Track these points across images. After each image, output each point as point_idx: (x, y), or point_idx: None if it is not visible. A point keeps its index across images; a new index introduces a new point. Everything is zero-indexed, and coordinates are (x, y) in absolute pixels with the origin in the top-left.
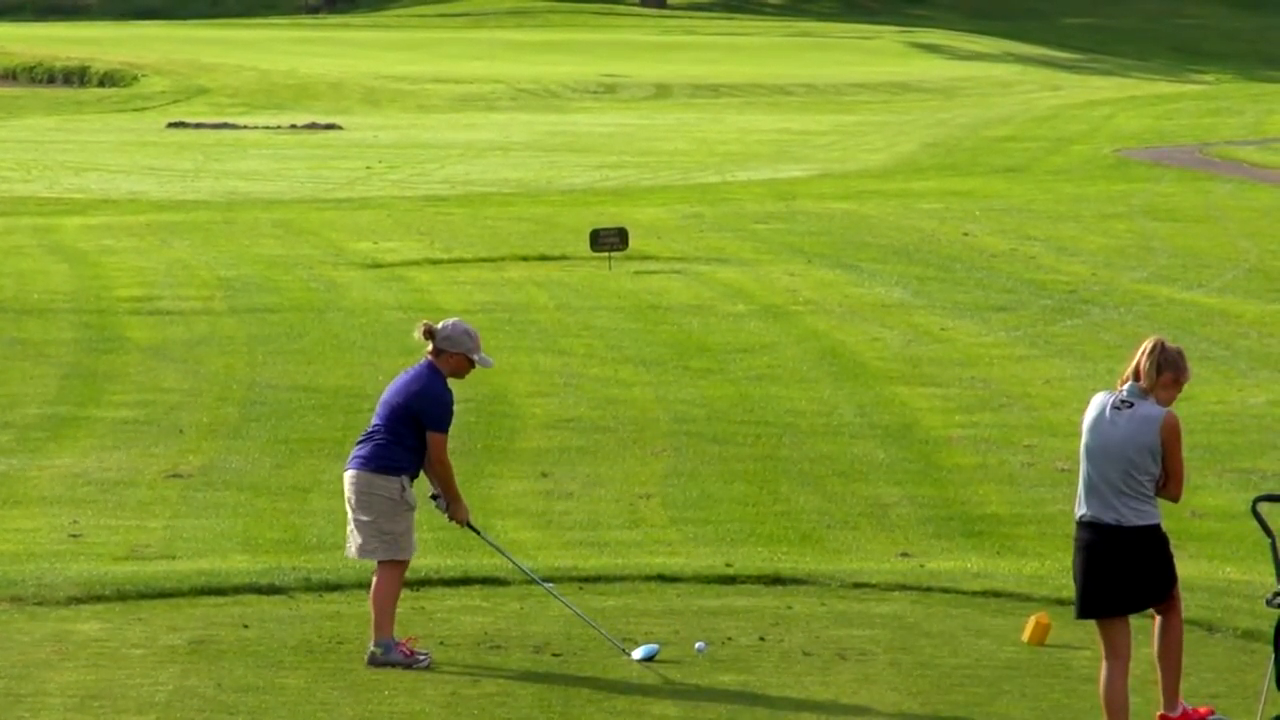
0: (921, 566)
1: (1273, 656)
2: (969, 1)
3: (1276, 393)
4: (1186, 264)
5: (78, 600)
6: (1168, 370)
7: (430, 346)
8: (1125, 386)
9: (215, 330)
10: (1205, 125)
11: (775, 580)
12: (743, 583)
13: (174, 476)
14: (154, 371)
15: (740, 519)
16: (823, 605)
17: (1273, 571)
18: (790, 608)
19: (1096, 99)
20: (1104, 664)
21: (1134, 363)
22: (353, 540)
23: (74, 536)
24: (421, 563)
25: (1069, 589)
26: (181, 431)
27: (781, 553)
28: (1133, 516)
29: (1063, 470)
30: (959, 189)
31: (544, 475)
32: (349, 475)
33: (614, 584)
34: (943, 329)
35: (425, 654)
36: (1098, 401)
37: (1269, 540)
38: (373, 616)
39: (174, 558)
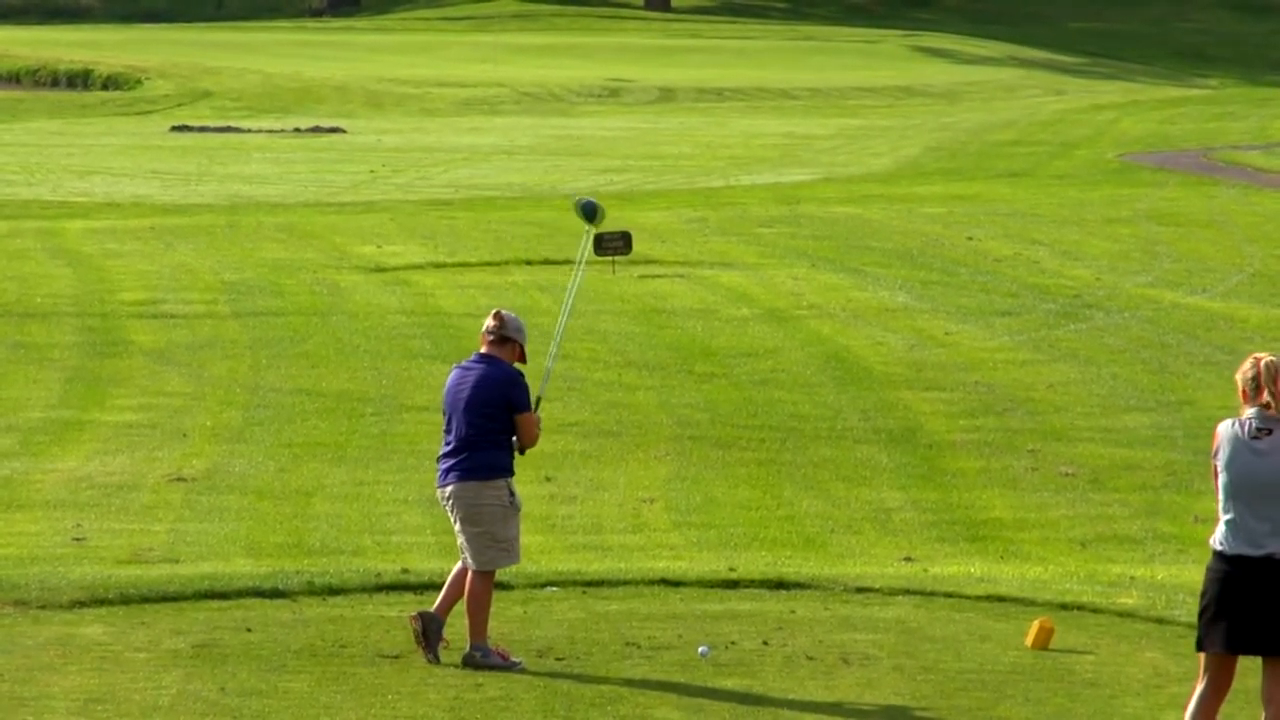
0: (925, 571)
1: None
2: (973, 6)
3: None
4: (1191, 269)
5: (81, 604)
6: None
7: (490, 339)
8: (1250, 412)
9: (219, 334)
10: (1209, 130)
11: (778, 584)
12: (746, 587)
13: (177, 480)
14: (157, 375)
15: (743, 523)
16: (826, 610)
17: None
18: (793, 612)
19: (1101, 103)
20: (1199, 691)
21: (1247, 385)
22: (467, 553)
23: (77, 540)
24: (425, 567)
25: (1072, 593)
26: (185, 435)
27: (785, 557)
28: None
29: (1066, 475)
30: (963, 193)
31: (547, 479)
32: (453, 489)
33: (617, 588)
34: (946, 333)
35: (520, 659)
36: (1228, 435)
37: None
38: (469, 622)
39: (177, 561)
